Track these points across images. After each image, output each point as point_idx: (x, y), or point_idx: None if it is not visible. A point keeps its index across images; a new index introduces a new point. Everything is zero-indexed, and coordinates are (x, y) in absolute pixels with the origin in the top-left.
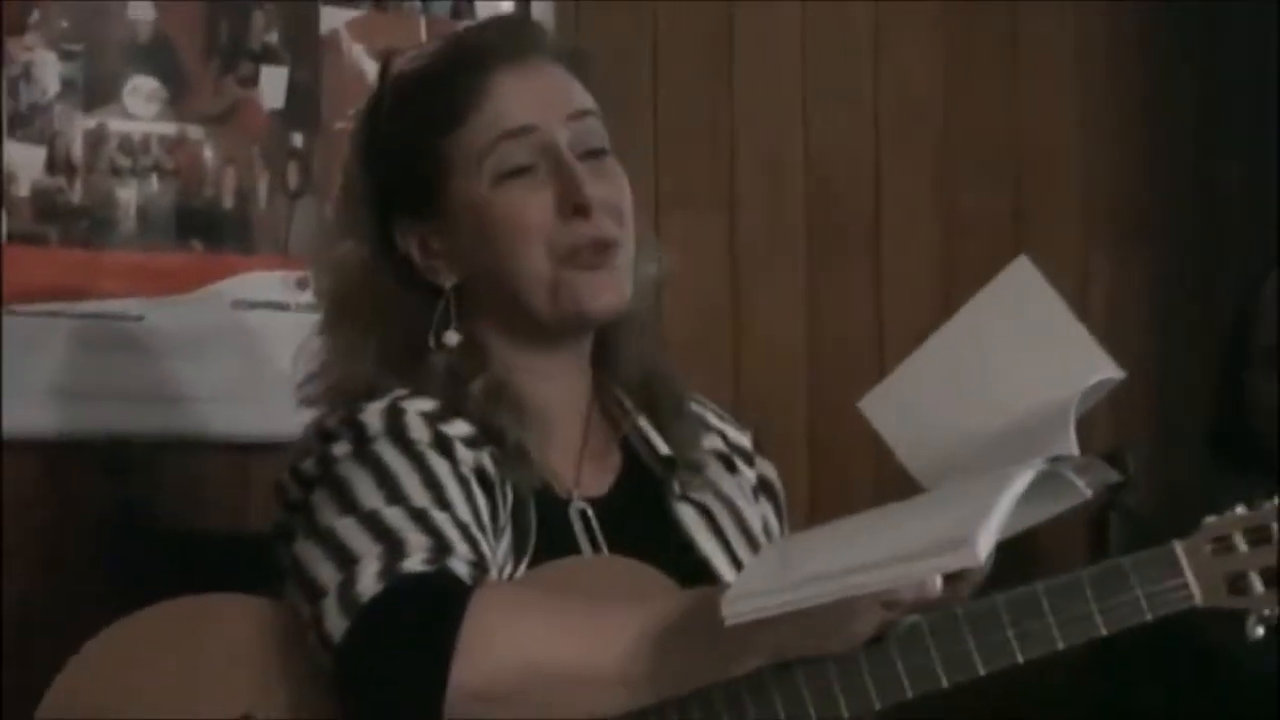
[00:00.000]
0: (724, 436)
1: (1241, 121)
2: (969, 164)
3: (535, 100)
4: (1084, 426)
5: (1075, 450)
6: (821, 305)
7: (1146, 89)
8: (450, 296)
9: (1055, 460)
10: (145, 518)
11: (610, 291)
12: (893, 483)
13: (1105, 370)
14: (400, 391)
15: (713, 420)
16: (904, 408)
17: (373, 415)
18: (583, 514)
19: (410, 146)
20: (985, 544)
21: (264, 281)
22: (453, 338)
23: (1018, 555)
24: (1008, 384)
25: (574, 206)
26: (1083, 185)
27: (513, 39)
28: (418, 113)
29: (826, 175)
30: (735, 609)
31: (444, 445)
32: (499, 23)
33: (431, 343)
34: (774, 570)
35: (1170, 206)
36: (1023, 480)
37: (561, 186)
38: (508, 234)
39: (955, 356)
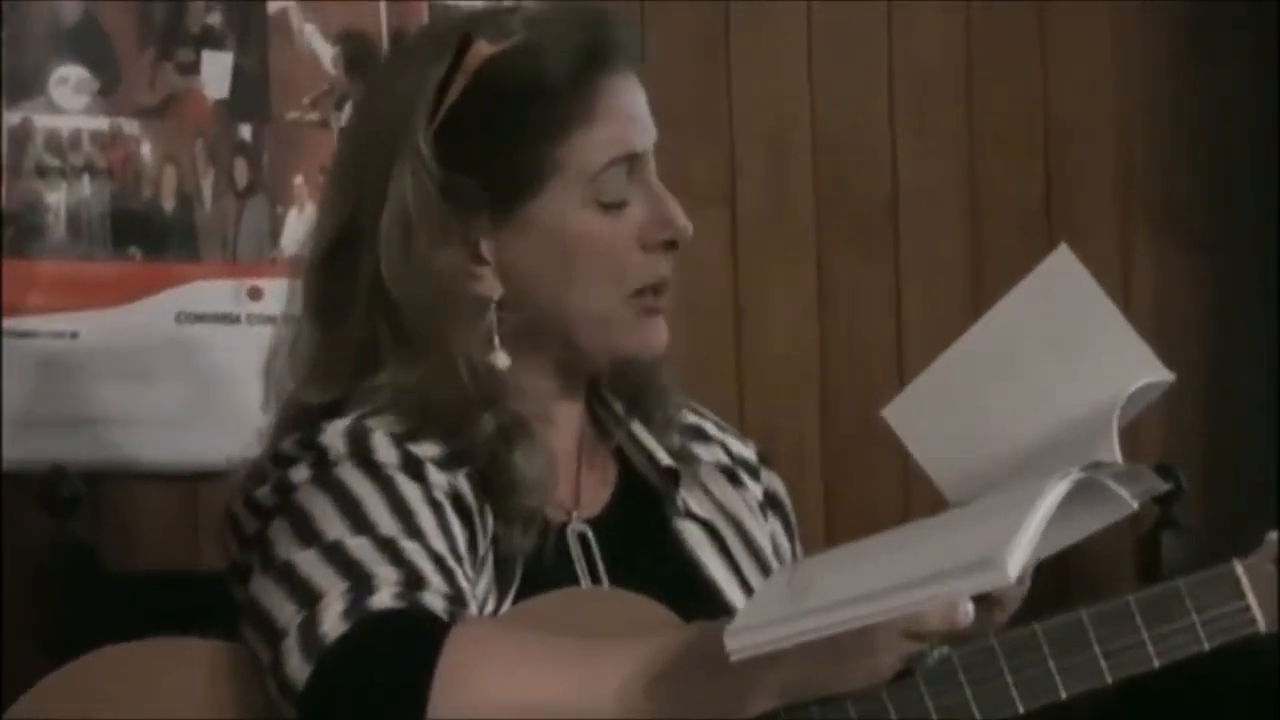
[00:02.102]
0: (726, 448)
1: None
2: (994, 145)
3: (637, 122)
4: (1132, 438)
5: (1118, 458)
6: (834, 305)
7: (1190, 60)
8: (494, 312)
9: (1094, 468)
10: (83, 556)
11: (663, 335)
12: (920, 502)
13: (1153, 372)
14: (364, 408)
15: (713, 431)
16: (931, 416)
17: (335, 436)
18: (582, 537)
19: (506, 148)
20: (1016, 563)
21: (211, 291)
22: (503, 360)
23: (1061, 579)
24: (1045, 388)
25: (667, 241)
26: (1121, 169)
27: (619, 42)
28: (514, 109)
29: (837, 161)
30: (740, 642)
31: (414, 468)
32: (597, 15)
33: (465, 367)
34: (783, 598)
35: (1220, 193)
36: (1058, 492)
37: (656, 217)
38: (588, 261)
39: (988, 358)
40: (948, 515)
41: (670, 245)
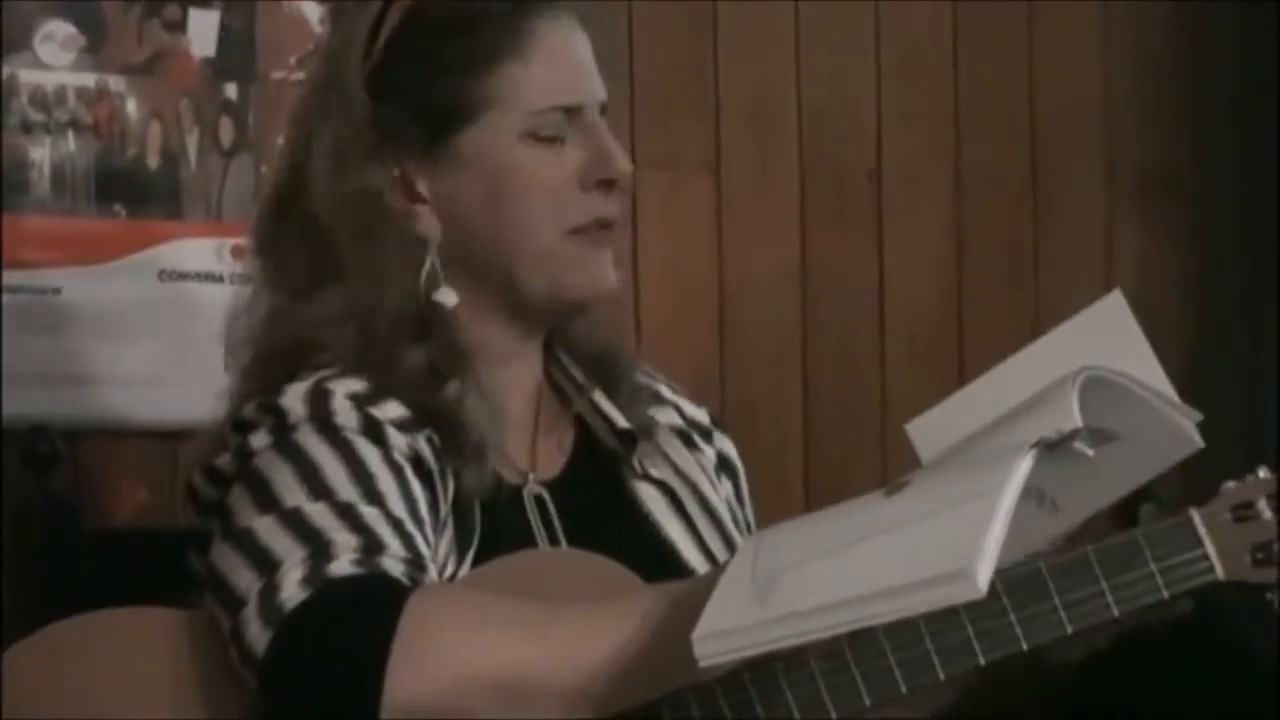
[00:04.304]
0: (680, 410)
1: None
2: (979, 120)
3: (578, 74)
4: None
5: (1077, 421)
6: (817, 276)
7: (1178, 35)
8: (435, 250)
9: (1047, 439)
10: (63, 512)
11: (611, 274)
12: (899, 474)
13: (1176, 414)
14: (326, 371)
15: (666, 394)
16: (952, 437)
17: (295, 399)
18: (538, 499)
19: (430, 79)
20: (985, 572)
21: (194, 250)
22: (449, 296)
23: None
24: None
25: (603, 179)
26: (1106, 145)
27: None
28: (444, 42)
29: (822, 133)
30: (710, 649)
31: (374, 430)
32: None
33: (398, 298)
34: (748, 596)
35: (1206, 170)
36: (1019, 476)
37: (595, 156)
38: (522, 194)
39: (1019, 389)
40: (909, 493)
41: (608, 184)
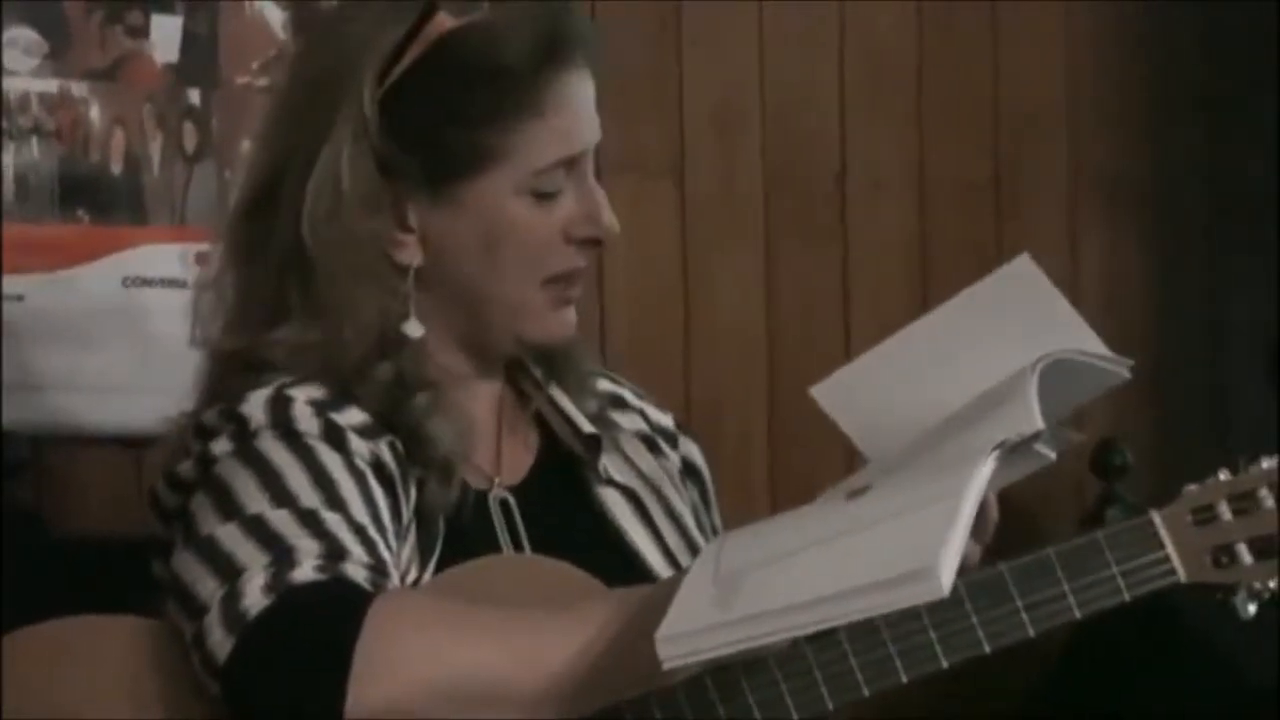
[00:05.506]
0: (644, 416)
1: (1246, 79)
2: (943, 126)
3: (583, 122)
4: (1077, 413)
5: (1039, 424)
6: (782, 283)
7: (1142, 43)
8: (412, 281)
9: (1009, 443)
10: (27, 519)
11: (570, 323)
12: None
13: (1098, 351)
14: (287, 378)
15: (631, 399)
16: (864, 394)
17: (256, 406)
18: (503, 503)
19: (451, 128)
20: (949, 572)
21: (158, 256)
22: (415, 329)
23: (1007, 558)
24: (987, 371)
25: (590, 238)
26: (1071, 151)
27: (579, 37)
28: (471, 94)
29: (786, 140)
30: (672, 651)
31: (335, 437)
32: (561, 9)
33: (372, 335)
34: (710, 597)
35: (1169, 176)
36: (980, 479)
37: (585, 212)
38: (512, 246)
39: (931, 347)
40: (876, 492)
41: (594, 242)
